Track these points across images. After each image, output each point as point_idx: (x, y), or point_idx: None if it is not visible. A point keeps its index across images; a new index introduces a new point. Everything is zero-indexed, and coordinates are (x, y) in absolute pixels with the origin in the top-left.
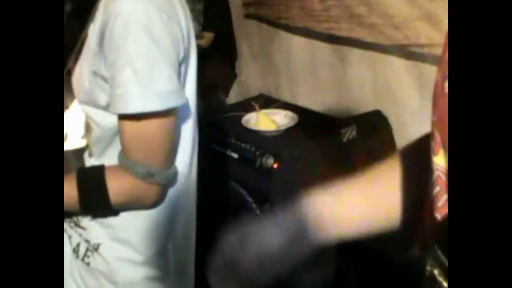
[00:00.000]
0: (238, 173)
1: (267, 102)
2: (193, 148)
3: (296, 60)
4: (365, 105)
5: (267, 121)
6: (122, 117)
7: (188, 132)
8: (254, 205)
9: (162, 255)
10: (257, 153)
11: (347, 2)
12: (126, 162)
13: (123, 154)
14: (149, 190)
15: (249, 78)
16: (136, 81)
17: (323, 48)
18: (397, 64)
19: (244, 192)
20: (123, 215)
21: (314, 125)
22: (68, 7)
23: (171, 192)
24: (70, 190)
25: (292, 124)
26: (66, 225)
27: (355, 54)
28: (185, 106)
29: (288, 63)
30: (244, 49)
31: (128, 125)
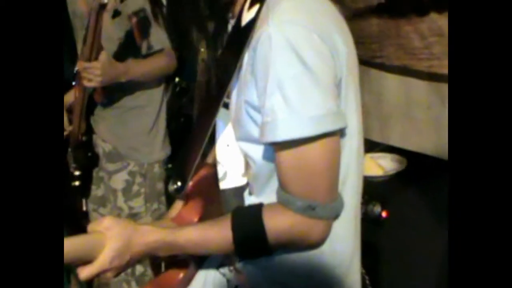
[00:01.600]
0: None
1: (366, 144)
2: (359, 178)
3: (388, 100)
4: None
5: (374, 166)
6: (277, 148)
7: (353, 158)
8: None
9: None
10: (362, 200)
11: None
12: (284, 197)
13: (281, 188)
14: (311, 226)
15: None
16: (286, 107)
17: (420, 87)
18: None
19: None
20: (283, 255)
21: (424, 169)
22: (222, 41)
23: (338, 228)
24: (226, 231)
25: (401, 168)
26: (225, 269)
27: None
28: (348, 129)
29: (380, 103)
30: None
31: (283, 155)
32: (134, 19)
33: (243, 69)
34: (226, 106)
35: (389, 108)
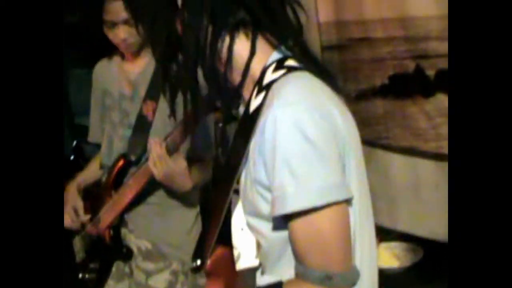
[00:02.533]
0: None
1: (378, 232)
2: (370, 247)
3: (395, 181)
4: None
5: (388, 256)
6: (289, 220)
7: (357, 226)
8: None
9: None
10: None
11: None
12: (301, 270)
13: (298, 262)
14: None
15: None
16: (293, 181)
17: (427, 168)
18: None
19: None
20: None
21: (440, 259)
22: (233, 129)
23: None
24: None
25: (417, 259)
26: None
27: None
28: (355, 201)
29: (387, 184)
30: None
31: (295, 227)
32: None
33: (252, 150)
34: (237, 191)
35: (396, 190)
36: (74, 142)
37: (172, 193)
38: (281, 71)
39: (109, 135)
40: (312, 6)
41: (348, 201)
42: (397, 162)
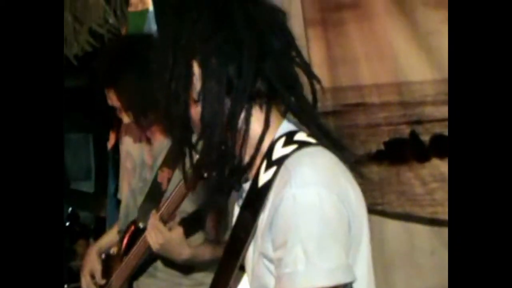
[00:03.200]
0: None
1: None
2: None
3: (391, 247)
4: None
5: None
6: None
7: None
8: None
9: None
10: None
11: None
12: None
13: None
14: None
15: None
16: (305, 260)
17: (423, 233)
18: None
19: None
20: None
21: None
22: (240, 203)
23: None
24: None
25: None
26: None
27: None
28: (365, 275)
29: (382, 250)
30: None
31: None
32: None
33: (261, 225)
34: (242, 268)
35: (392, 255)
36: (69, 209)
37: (180, 271)
38: (292, 146)
39: (127, 201)
40: None
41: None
42: (392, 228)
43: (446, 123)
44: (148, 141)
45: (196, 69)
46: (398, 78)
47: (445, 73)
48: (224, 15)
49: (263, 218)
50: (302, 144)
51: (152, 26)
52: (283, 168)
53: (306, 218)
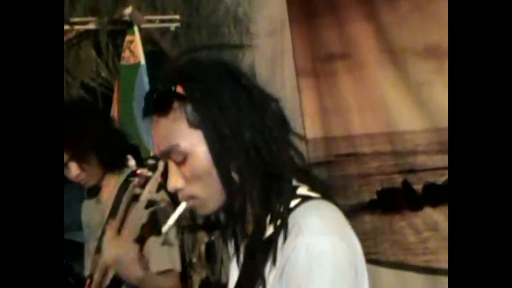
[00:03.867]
0: None
1: None
2: None
3: None
4: None
5: None
6: None
7: None
8: None
9: None
10: None
11: (446, 232)
12: None
13: None
14: None
15: None
16: None
17: (416, 281)
18: None
19: None
20: None
21: None
22: (245, 251)
23: None
24: None
25: None
26: None
27: None
28: None
29: None
30: None
31: None
32: None
33: (268, 276)
34: None
35: None
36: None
37: None
38: (296, 200)
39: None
40: (300, 124)
41: None
42: (386, 277)
43: (438, 172)
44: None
45: None
46: (389, 128)
47: (436, 123)
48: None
49: (272, 269)
50: (306, 198)
51: (143, 79)
52: (291, 220)
53: (319, 266)
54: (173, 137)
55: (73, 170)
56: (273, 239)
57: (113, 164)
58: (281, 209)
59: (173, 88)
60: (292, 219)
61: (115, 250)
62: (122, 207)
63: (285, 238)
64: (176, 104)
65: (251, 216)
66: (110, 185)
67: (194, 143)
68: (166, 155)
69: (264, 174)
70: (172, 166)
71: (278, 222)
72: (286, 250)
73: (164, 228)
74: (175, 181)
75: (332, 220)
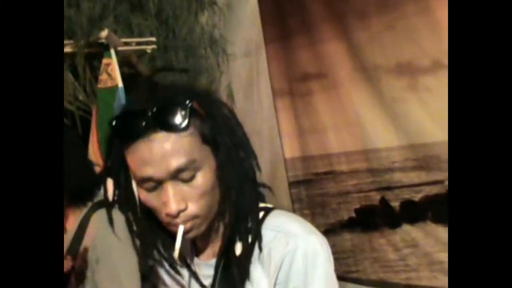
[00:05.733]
0: None
1: None
2: None
3: None
4: None
5: None
6: None
7: None
8: None
9: None
10: None
11: (425, 248)
12: None
13: None
14: None
15: None
16: None
17: None
18: None
19: None
20: None
21: None
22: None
23: None
24: None
25: None
26: None
27: None
28: None
29: None
30: None
31: None
32: None
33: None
34: None
35: None
36: None
37: None
38: (261, 213)
39: None
40: (278, 143)
41: None
42: None
43: (414, 188)
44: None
45: None
46: (365, 146)
47: (411, 139)
48: None
49: (262, 274)
50: (267, 210)
51: (122, 101)
52: (265, 232)
53: (316, 264)
54: (190, 153)
55: None
56: (246, 254)
57: (79, 197)
58: (252, 224)
59: (189, 103)
60: (270, 230)
61: None
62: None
63: (260, 249)
64: (191, 119)
65: (217, 235)
66: (71, 219)
67: (205, 158)
68: (174, 173)
69: (248, 192)
70: (171, 188)
71: (250, 237)
72: (277, 258)
73: (175, 254)
74: (178, 203)
75: (304, 222)
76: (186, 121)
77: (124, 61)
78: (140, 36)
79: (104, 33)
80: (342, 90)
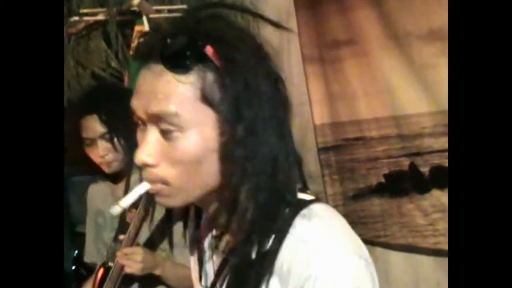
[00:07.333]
0: None
1: None
2: None
3: (396, 279)
4: None
5: None
6: None
7: None
8: None
9: None
10: None
11: None
12: None
13: None
14: None
15: None
16: None
17: (427, 264)
18: None
19: None
20: None
21: None
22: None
23: None
24: None
25: None
26: None
27: None
28: None
29: (387, 282)
30: None
31: None
32: None
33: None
34: None
35: (397, 287)
36: (75, 252)
37: None
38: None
39: (101, 253)
40: (307, 109)
41: None
42: (396, 260)
43: (445, 154)
44: (113, 181)
45: None
46: (395, 112)
47: (442, 105)
48: None
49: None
50: (302, 204)
51: None
52: (289, 239)
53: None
54: (174, 103)
55: (101, 148)
56: (261, 262)
57: None
58: (284, 222)
59: (201, 47)
60: (291, 236)
61: (139, 258)
62: (135, 223)
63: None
64: (196, 67)
65: (237, 226)
66: (133, 177)
67: (199, 122)
68: (153, 118)
69: (272, 188)
70: (152, 134)
71: (269, 242)
72: (296, 280)
73: (123, 203)
74: (147, 154)
75: (345, 230)
76: (188, 65)
77: (156, 29)
78: (172, 3)
79: (136, 1)
80: (372, 56)
